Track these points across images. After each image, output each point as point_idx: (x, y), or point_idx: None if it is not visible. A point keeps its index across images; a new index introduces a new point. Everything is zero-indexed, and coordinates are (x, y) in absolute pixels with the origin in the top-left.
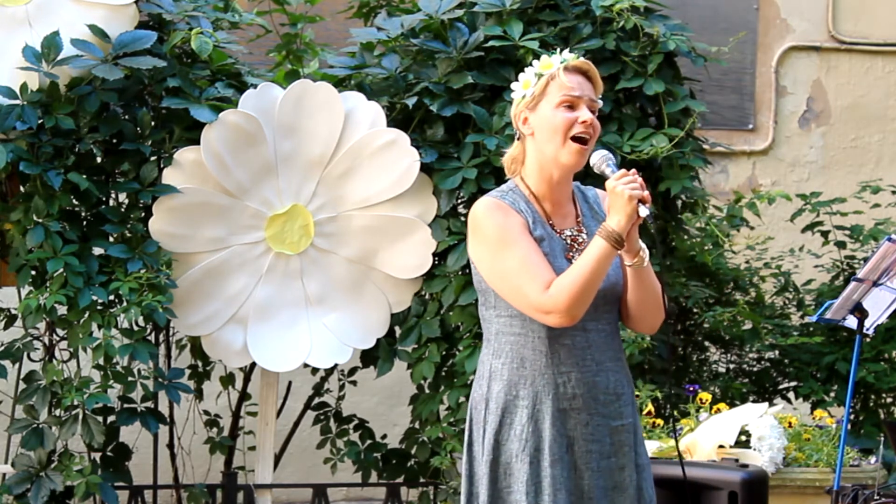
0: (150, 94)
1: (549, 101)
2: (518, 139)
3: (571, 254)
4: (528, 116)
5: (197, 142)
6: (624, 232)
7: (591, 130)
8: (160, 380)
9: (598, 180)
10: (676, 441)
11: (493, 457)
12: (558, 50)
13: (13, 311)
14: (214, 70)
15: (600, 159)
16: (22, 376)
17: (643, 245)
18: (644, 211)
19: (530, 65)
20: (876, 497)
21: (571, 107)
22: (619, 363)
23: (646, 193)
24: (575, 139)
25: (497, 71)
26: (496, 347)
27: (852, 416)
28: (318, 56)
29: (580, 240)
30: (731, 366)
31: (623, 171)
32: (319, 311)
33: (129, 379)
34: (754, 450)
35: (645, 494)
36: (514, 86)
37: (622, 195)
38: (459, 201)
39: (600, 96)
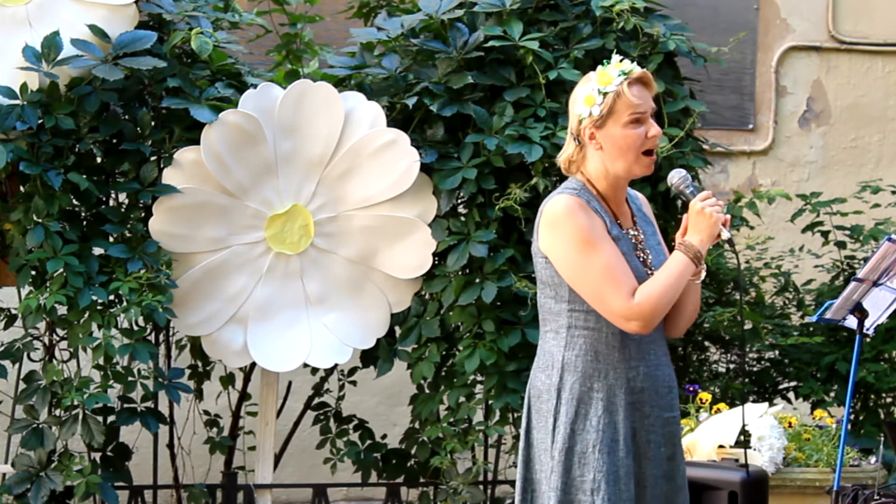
0: (150, 94)
1: (616, 119)
2: (577, 144)
3: (637, 252)
4: (595, 133)
5: (197, 142)
6: (705, 251)
7: (657, 140)
8: (160, 380)
9: None
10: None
11: (568, 445)
12: (615, 60)
13: (13, 311)
14: (214, 70)
15: (680, 180)
16: (22, 376)
17: (704, 263)
18: (726, 234)
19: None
20: (876, 497)
21: (638, 121)
22: (668, 357)
23: (728, 216)
24: (645, 152)
25: (497, 71)
26: (567, 340)
27: (852, 416)
28: (317, 56)
29: (641, 238)
30: (731, 366)
31: (707, 192)
32: (319, 311)
33: (129, 379)
34: (754, 450)
35: (685, 484)
36: (576, 99)
37: (709, 217)
38: (459, 201)
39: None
